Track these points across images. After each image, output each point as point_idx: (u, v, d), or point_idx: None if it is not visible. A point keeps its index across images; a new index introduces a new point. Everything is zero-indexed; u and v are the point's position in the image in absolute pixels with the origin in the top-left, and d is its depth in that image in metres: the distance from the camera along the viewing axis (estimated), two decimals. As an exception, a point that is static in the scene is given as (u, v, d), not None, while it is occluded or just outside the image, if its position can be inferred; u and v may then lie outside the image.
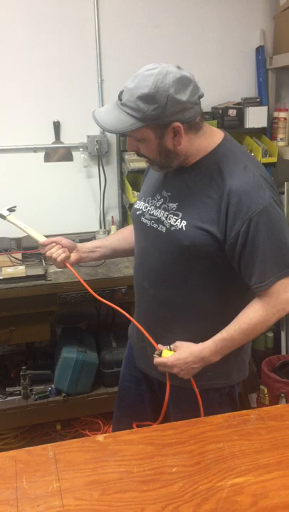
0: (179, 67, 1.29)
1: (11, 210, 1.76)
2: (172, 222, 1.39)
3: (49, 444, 1.21)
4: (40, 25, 2.63)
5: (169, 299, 1.47)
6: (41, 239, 1.64)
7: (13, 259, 2.46)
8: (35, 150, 2.77)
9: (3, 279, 2.27)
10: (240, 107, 2.80)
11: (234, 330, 1.37)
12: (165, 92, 1.24)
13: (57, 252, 1.59)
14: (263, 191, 1.30)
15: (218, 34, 2.89)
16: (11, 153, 2.74)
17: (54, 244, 1.60)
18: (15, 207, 1.79)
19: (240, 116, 2.79)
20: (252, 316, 1.36)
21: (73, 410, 2.50)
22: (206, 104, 2.84)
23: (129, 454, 1.17)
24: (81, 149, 2.79)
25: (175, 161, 1.38)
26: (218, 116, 2.79)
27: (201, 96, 1.33)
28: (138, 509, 1.02)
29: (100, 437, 1.24)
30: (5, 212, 1.72)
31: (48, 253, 1.60)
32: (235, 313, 1.40)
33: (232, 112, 2.77)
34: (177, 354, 1.42)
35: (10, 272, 2.32)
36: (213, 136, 1.40)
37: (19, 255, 2.51)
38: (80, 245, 1.67)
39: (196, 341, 1.42)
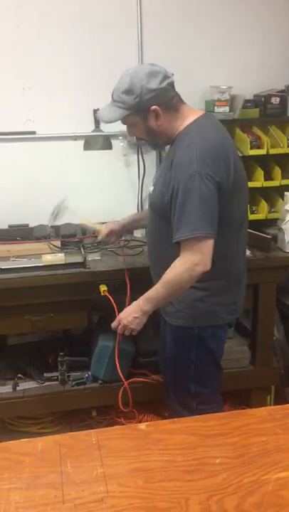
0: (151, 64, 1.68)
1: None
2: (150, 189, 1.87)
3: (92, 430, 1.23)
4: (82, 16, 2.62)
5: (152, 252, 1.93)
6: (101, 236, 2.24)
7: (52, 246, 2.49)
8: (75, 138, 2.78)
9: (43, 266, 2.30)
10: (284, 95, 2.71)
11: (159, 284, 1.70)
12: (139, 84, 1.63)
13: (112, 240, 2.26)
14: (190, 165, 1.59)
15: (261, 19, 2.81)
16: (51, 141, 2.75)
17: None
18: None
19: (284, 104, 2.71)
20: (170, 271, 1.66)
21: (109, 397, 2.52)
22: (248, 92, 2.77)
23: (172, 444, 1.17)
24: (120, 138, 2.78)
25: (161, 140, 1.77)
26: (261, 104, 2.72)
27: (171, 83, 1.67)
28: (182, 499, 1.01)
29: (142, 425, 1.25)
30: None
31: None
32: None
33: (275, 100, 2.69)
34: (122, 312, 1.85)
35: (49, 259, 2.34)
36: (187, 118, 1.72)
37: (58, 243, 2.53)
38: (123, 222, 2.20)
39: None
